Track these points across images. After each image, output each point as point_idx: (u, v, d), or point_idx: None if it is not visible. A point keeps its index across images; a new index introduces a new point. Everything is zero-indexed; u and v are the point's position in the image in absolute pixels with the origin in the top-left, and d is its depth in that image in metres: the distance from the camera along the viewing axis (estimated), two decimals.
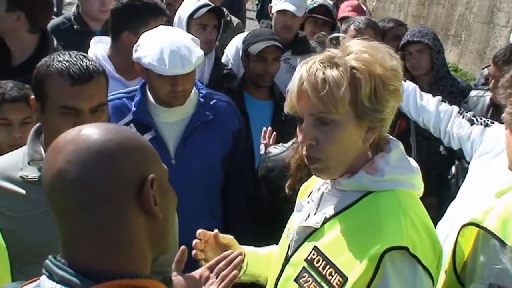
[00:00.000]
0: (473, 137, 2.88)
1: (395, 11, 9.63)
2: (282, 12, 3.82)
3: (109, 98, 2.73)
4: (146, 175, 1.11)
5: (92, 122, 1.79)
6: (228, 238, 1.85)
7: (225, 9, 4.60)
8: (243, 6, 6.37)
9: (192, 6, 3.46)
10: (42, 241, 1.69)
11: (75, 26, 3.86)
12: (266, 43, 3.24)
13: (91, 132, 1.11)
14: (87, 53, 3.24)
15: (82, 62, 1.86)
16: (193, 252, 1.79)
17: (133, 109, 2.69)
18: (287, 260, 1.67)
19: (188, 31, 3.27)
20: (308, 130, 1.54)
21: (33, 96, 1.93)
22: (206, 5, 3.44)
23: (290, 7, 3.78)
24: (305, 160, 1.62)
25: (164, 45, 2.55)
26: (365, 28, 3.65)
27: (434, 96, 3.19)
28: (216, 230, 1.83)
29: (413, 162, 1.66)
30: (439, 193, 3.47)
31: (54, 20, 3.94)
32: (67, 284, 1.05)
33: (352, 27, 3.73)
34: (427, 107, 3.12)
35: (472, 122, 2.94)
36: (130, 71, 2.93)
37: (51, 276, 1.07)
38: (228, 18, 4.71)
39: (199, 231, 1.80)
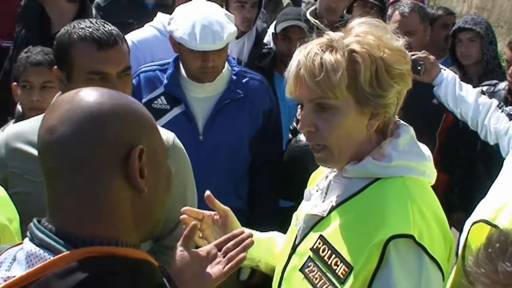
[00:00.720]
0: (511, 132, 2.79)
1: (459, 1, 9.34)
2: None
3: (142, 69, 2.80)
4: (135, 145, 1.07)
5: (120, 86, 1.84)
6: (225, 209, 1.78)
7: None
8: None
9: None
10: None
11: None
12: (289, 23, 3.20)
13: (87, 94, 1.09)
14: (141, 23, 3.38)
15: (105, 27, 1.87)
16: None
17: (165, 81, 2.71)
18: (294, 249, 1.63)
19: (227, 8, 3.28)
20: (307, 116, 1.50)
21: (55, 67, 1.94)
22: None
23: None
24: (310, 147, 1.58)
25: (196, 20, 2.56)
26: (409, 13, 3.54)
27: (475, 87, 3.10)
28: (210, 212, 1.77)
29: (425, 149, 1.59)
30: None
31: None
32: (45, 247, 1.04)
33: (397, 11, 3.63)
34: (466, 98, 3.03)
35: (511, 117, 2.85)
36: None
37: (32, 239, 1.07)
38: None
39: (184, 208, 1.74)
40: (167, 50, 2.79)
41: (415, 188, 1.50)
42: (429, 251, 1.42)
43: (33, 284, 0.98)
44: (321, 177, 1.70)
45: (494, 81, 3.41)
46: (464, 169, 3.56)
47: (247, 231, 1.79)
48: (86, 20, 1.92)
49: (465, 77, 3.68)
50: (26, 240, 1.08)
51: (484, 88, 3.45)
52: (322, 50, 1.46)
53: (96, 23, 1.89)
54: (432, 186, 3.61)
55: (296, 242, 1.63)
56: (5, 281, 0.99)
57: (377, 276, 1.42)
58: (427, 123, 3.18)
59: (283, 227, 1.84)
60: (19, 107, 2.85)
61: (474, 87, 3.39)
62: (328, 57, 1.45)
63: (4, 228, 1.56)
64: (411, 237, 1.40)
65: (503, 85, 3.27)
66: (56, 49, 1.92)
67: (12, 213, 1.69)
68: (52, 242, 1.03)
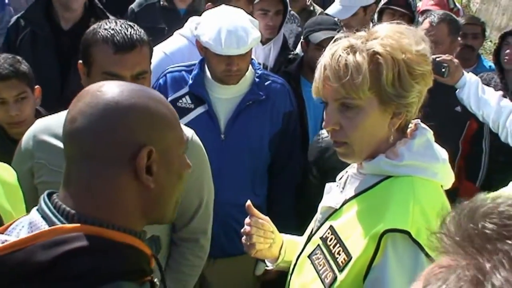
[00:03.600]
0: None
1: (498, 13, 9.22)
2: None
3: (169, 70, 2.91)
4: (145, 145, 1.13)
5: None
6: (265, 218, 1.88)
7: None
8: None
9: None
10: None
11: (162, 3, 4.01)
12: (329, 33, 3.19)
13: (108, 90, 1.15)
14: (173, 29, 3.46)
15: (127, 31, 1.95)
16: (243, 238, 1.86)
17: (190, 81, 2.81)
18: (309, 238, 1.71)
19: (252, 15, 3.35)
20: (332, 115, 1.56)
21: (80, 61, 2.04)
22: None
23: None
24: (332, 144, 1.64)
25: (221, 25, 2.64)
26: (438, 23, 3.53)
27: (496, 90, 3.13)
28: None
29: (441, 152, 1.63)
30: None
31: None
32: (44, 218, 1.12)
33: (427, 19, 3.62)
34: (488, 100, 3.07)
35: None
36: None
37: (38, 209, 1.16)
38: (312, 7, 4.75)
39: (248, 203, 1.85)
40: (199, 57, 2.89)
41: (423, 188, 1.53)
42: (425, 249, 1.43)
43: (22, 250, 1.05)
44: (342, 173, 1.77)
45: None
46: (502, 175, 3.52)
47: (285, 237, 1.91)
48: (114, 21, 2.01)
49: (502, 82, 3.66)
50: (34, 209, 1.17)
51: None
52: (346, 52, 1.51)
53: (121, 25, 1.97)
54: (456, 193, 3.62)
55: (312, 232, 1.71)
56: (2, 243, 1.08)
57: (372, 267, 1.47)
58: (450, 130, 3.19)
59: (301, 229, 1.89)
60: None
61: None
62: (352, 59, 1.50)
63: (10, 215, 1.61)
64: (407, 233, 1.44)
65: None
66: (82, 44, 2.02)
67: (20, 202, 1.75)
68: (50, 214, 1.12)
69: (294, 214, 2.92)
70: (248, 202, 1.85)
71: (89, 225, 1.11)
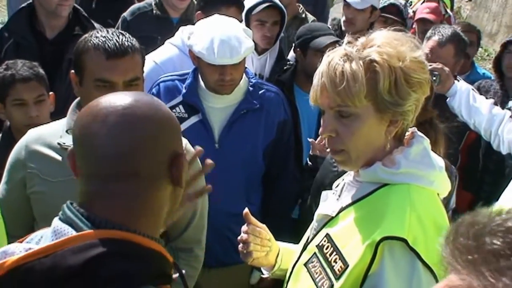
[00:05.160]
0: None
1: (489, 20, 9.28)
2: (346, 5, 3.98)
3: (162, 79, 2.90)
4: (177, 150, 1.19)
5: None
6: (262, 226, 1.89)
7: (301, 6, 4.67)
8: (327, 7, 6.36)
9: (251, 1, 3.51)
10: None
11: (155, 12, 4.00)
12: (332, 38, 3.19)
13: (133, 104, 1.16)
14: (165, 37, 3.45)
15: (118, 38, 1.95)
16: (239, 246, 1.86)
17: (184, 91, 2.81)
18: (305, 246, 1.71)
19: (248, 25, 3.35)
20: (328, 122, 1.56)
21: (73, 71, 2.04)
22: (265, 1, 3.48)
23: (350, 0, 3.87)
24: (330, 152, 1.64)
25: (214, 35, 2.64)
26: (445, 43, 3.44)
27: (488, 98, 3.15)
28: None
29: (438, 160, 1.63)
30: None
31: (136, 4, 4.16)
32: (70, 224, 1.12)
33: (435, 37, 3.50)
34: (480, 109, 3.08)
35: None
36: None
37: (61, 217, 1.15)
38: (304, 15, 4.76)
39: (245, 210, 1.86)
40: (189, 66, 2.88)
41: (419, 196, 1.53)
42: (422, 257, 1.44)
43: (50, 256, 1.05)
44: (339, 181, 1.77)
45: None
46: (492, 187, 3.53)
47: (281, 245, 1.92)
48: (105, 29, 2.02)
49: (502, 89, 3.71)
50: (56, 218, 1.16)
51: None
52: (343, 60, 1.51)
53: (113, 33, 1.97)
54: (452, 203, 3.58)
55: (308, 240, 1.71)
56: (26, 251, 1.07)
57: (369, 275, 1.47)
58: (450, 140, 3.20)
59: (295, 238, 1.90)
60: (7, 123, 2.83)
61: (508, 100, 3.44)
62: (349, 67, 1.49)
63: None
64: (404, 240, 1.44)
65: None
66: (74, 54, 2.02)
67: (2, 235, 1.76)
68: (77, 220, 1.12)
69: (290, 223, 2.92)
70: (246, 210, 1.85)
71: (117, 230, 1.11)
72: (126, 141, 1.14)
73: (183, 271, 1.29)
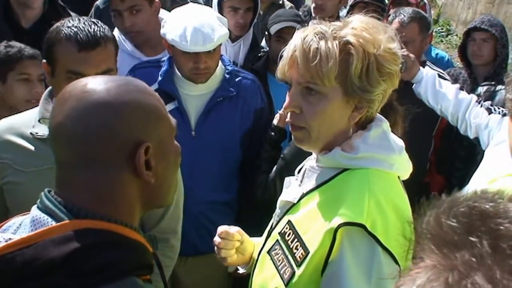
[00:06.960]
0: (491, 125, 2.86)
1: (464, 8, 9.37)
2: None
3: (137, 66, 2.87)
4: (141, 141, 1.12)
5: None
6: (242, 235, 1.88)
7: None
8: None
9: None
10: None
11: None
12: (284, 24, 3.20)
13: (94, 88, 1.13)
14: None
15: (91, 28, 1.91)
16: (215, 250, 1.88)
17: (159, 78, 2.77)
18: (269, 234, 1.70)
19: (221, 13, 3.32)
20: (294, 97, 1.54)
21: (44, 60, 2.01)
22: None
23: None
24: (289, 127, 1.62)
25: (187, 22, 2.61)
26: (408, 23, 3.48)
27: (453, 83, 3.19)
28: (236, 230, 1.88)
29: (397, 142, 1.62)
30: None
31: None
32: (49, 214, 1.09)
33: (397, 19, 3.56)
34: (446, 94, 3.09)
35: (490, 111, 2.93)
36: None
37: (39, 206, 1.13)
38: (281, 1, 4.74)
39: (221, 229, 1.85)
40: (123, 63, 2.77)
41: (379, 181, 1.52)
42: (382, 242, 1.43)
43: (31, 247, 1.03)
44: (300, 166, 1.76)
45: (493, 87, 3.50)
46: (463, 172, 3.56)
47: (255, 239, 1.91)
48: (77, 18, 1.97)
49: (471, 77, 3.74)
50: (34, 207, 1.14)
51: (484, 88, 3.52)
52: (318, 37, 1.49)
53: (85, 23, 1.93)
54: (427, 187, 3.64)
55: (272, 227, 1.70)
56: (6, 241, 1.05)
57: (330, 262, 1.46)
58: (423, 125, 3.22)
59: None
60: None
61: (477, 87, 3.47)
62: (324, 44, 1.48)
63: None
64: (362, 226, 1.43)
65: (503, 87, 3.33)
66: (45, 43, 1.98)
67: None
68: (56, 210, 1.09)
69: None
70: (222, 229, 1.85)
71: (99, 220, 1.09)
72: (80, 126, 1.10)
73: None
